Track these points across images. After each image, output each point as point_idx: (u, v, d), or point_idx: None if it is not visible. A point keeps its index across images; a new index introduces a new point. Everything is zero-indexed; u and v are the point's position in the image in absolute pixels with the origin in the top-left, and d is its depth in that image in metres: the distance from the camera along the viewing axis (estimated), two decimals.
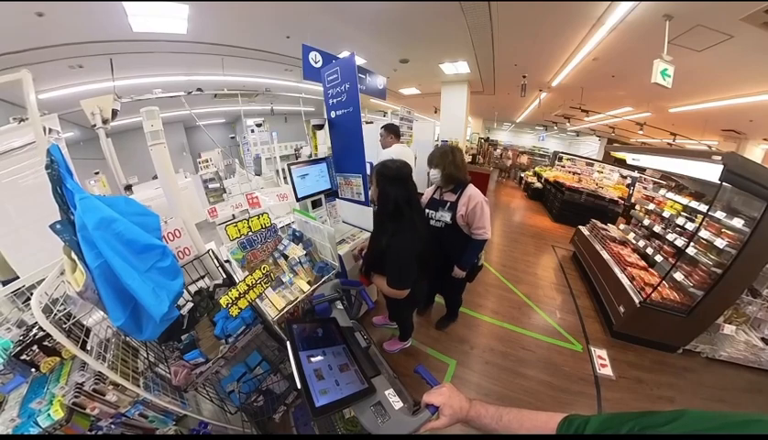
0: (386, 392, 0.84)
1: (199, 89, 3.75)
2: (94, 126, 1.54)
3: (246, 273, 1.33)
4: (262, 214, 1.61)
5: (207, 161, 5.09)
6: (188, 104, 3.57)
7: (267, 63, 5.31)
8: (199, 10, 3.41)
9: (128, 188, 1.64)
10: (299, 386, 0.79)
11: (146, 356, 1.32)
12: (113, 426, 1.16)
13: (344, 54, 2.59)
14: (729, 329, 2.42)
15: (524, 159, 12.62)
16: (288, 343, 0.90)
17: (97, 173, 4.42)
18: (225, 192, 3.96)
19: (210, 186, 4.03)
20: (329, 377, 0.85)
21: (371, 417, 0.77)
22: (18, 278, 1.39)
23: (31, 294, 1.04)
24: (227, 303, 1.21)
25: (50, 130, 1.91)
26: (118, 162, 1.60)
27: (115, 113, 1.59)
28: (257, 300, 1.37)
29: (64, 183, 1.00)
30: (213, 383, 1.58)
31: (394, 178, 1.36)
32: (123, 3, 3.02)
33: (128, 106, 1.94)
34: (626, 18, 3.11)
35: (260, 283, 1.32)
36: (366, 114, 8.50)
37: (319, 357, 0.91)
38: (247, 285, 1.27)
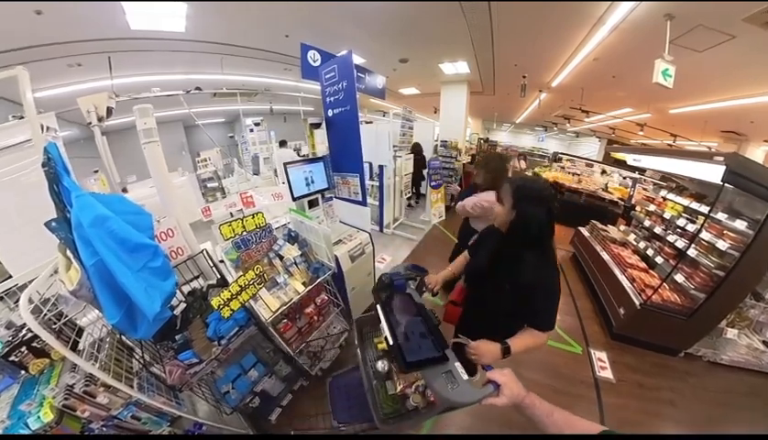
0: (455, 364, 0.92)
1: (198, 88, 3.72)
2: (90, 123, 1.52)
3: (241, 274, 1.31)
4: (257, 214, 1.59)
5: (206, 161, 5.09)
6: (187, 103, 3.55)
7: (266, 62, 5.29)
8: (197, 8, 3.40)
9: (125, 190, 1.63)
10: (391, 342, 0.95)
11: (141, 354, 1.30)
12: (104, 429, 1.14)
13: (342, 53, 2.57)
14: (731, 333, 2.39)
15: None
16: (378, 306, 1.09)
17: (96, 172, 4.41)
18: (224, 192, 3.95)
19: (208, 185, 4.02)
20: (413, 340, 0.99)
21: (443, 382, 0.86)
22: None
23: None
24: (219, 305, 1.19)
25: (48, 128, 1.90)
26: (113, 161, 1.59)
27: (110, 111, 1.58)
28: (251, 301, 1.35)
29: (61, 181, 0.99)
30: (208, 383, 1.56)
31: (539, 198, 1.10)
32: (121, 2, 3.01)
33: (128, 105, 1.92)
34: (627, 18, 3.08)
35: (253, 284, 1.30)
36: (366, 113, 8.48)
37: (403, 323, 1.06)
38: (240, 286, 1.25)
